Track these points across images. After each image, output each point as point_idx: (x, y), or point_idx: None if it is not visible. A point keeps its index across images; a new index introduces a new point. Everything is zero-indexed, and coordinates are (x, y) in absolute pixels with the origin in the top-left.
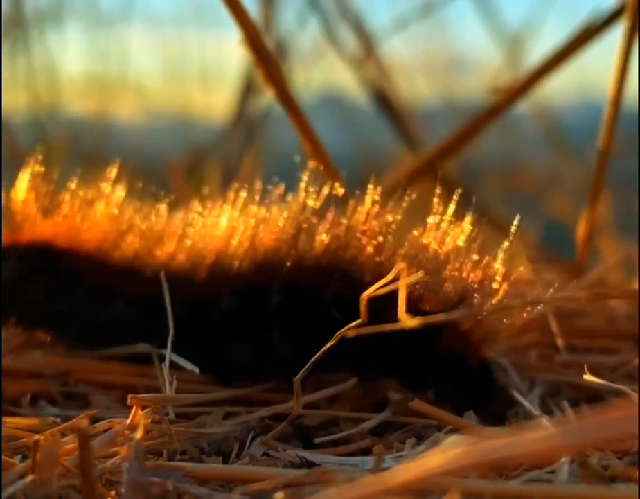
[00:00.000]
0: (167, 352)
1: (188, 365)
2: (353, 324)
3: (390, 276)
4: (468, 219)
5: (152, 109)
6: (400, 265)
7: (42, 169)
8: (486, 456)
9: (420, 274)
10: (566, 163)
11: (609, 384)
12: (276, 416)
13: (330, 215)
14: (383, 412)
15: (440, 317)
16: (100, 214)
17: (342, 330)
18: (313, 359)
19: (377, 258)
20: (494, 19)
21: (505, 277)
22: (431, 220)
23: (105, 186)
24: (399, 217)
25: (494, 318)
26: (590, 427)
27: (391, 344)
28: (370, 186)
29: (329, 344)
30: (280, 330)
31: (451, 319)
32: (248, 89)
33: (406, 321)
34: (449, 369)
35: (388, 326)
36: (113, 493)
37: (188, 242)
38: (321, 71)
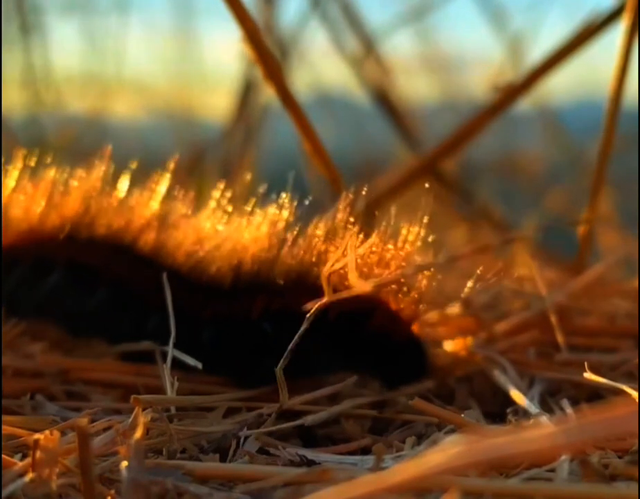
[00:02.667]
0: (169, 351)
1: (190, 361)
2: (318, 303)
3: (342, 247)
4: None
5: (151, 107)
6: (351, 231)
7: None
8: (486, 454)
9: (372, 240)
10: (568, 161)
11: (610, 382)
12: (277, 414)
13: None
14: (336, 406)
15: (390, 278)
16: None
17: (312, 310)
18: (290, 346)
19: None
20: (495, 16)
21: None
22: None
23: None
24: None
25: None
26: (590, 426)
27: (325, 329)
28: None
29: (302, 328)
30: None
31: (398, 279)
32: (248, 87)
33: (360, 285)
34: (377, 347)
35: (344, 294)
36: (113, 491)
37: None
38: (321, 69)
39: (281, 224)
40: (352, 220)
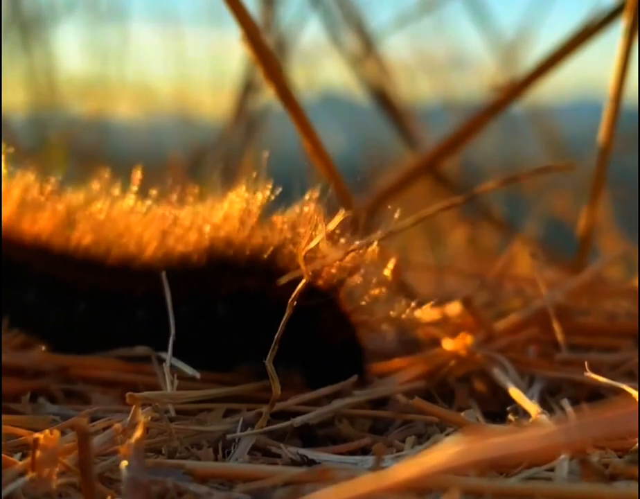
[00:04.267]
0: (169, 352)
1: (188, 369)
2: (301, 284)
3: (312, 226)
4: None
5: (152, 107)
6: (317, 210)
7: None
8: (486, 454)
9: (342, 214)
10: (565, 162)
11: (610, 382)
12: (277, 414)
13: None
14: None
15: (360, 245)
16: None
17: (294, 294)
18: (276, 337)
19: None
20: (488, 27)
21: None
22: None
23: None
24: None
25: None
26: (590, 425)
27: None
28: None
29: (286, 315)
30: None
31: (366, 245)
32: (248, 87)
33: (330, 252)
34: (313, 346)
35: (319, 267)
36: (113, 491)
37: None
38: (322, 69)
39: (252, 208)
40: (318, 210)
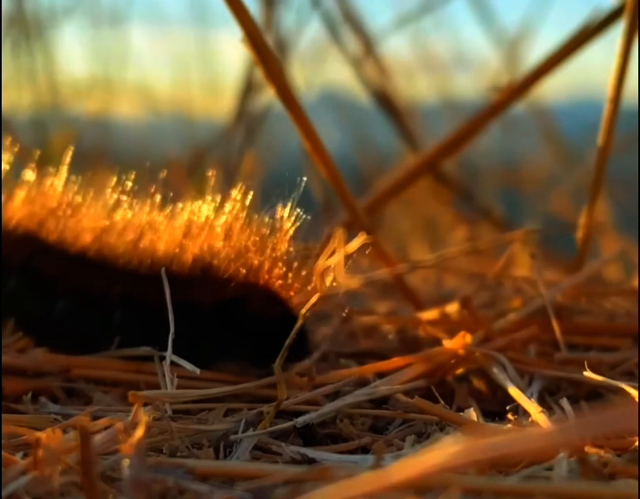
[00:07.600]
0: (168, 350)
1: (188, 366)
2: (312, 300)
3: (332, 245)
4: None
5: (153, 108)
6: (339, 232)
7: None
8: (485, 453)
9: (362, 237)
10: (565, 162)
11: (609, 381)
12: (277, 413)
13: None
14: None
15: (377, 276)
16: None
17: (306, 306)
18: (287, 343)
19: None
20: (491, 23)
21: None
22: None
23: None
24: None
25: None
26: (589, 425)
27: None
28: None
29: (298, 324)
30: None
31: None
32: (249, 88)
33: (349, 281)
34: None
35: (333, 289)
36: (114, 489)
37: None
38: (322, 70)
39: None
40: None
